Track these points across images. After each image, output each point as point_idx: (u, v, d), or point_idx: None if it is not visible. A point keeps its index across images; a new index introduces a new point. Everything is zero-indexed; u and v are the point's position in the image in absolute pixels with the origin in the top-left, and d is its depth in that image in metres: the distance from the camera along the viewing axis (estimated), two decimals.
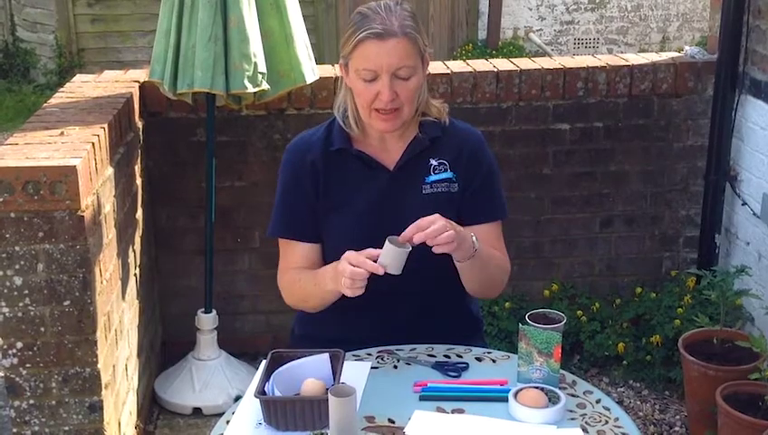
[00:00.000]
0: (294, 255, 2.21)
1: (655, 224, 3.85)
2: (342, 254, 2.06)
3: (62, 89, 3.43)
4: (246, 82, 3.14)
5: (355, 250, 2.05)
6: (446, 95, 3.50)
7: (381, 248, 1.96)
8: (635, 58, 3.80)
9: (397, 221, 2.12)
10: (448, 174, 2.19)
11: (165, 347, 3.76)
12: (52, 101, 3.22)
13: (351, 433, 1.72)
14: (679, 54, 3.89)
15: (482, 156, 2.24)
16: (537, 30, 9.39)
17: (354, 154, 2.17)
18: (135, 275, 3.23)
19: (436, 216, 1.97)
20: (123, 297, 3.01)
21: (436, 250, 1.95)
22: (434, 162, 2.19)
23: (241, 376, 3.49)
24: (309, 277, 2.15)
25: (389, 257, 1.93)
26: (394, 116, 2.10)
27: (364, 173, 2.16)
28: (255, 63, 3.15)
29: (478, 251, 2.07)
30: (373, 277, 2.02)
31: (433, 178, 2.18)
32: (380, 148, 2.19)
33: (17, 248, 2.48)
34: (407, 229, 1.95)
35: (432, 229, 1.93)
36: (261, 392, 1.80)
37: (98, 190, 2.66)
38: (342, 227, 2.17)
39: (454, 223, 2.01)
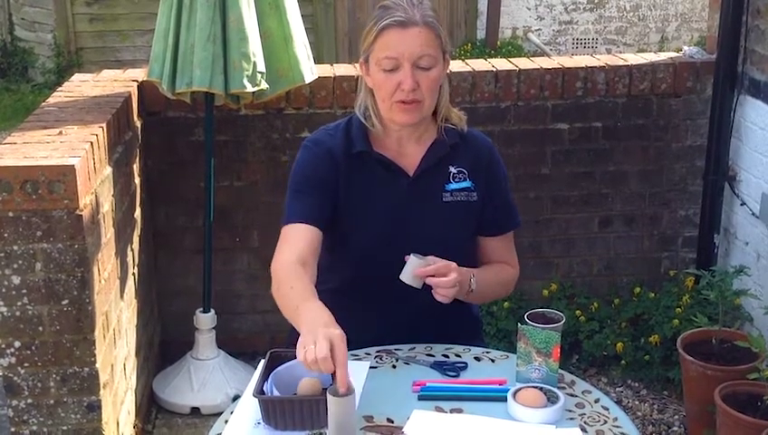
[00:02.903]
0: (298, 234, 2.09)
1: (654, 224, 3.85)
2: (358, 257, 2.09)
3: (60, 88, 3.43)
4: (246, 81, 3.14)
5: (373, 255, 2.07)
6: None
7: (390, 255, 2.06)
8: (634, 58, 3.80)
9: (416, 227, 2.13)
10: (467, 183, 2.19)
11: (163, 346, 3.76)
12: (51, 100, 3.22)
13: (350, 432, 1.72)
14: (678, 54, 3.90)
15: (497, 168, 2.26)
16: (536, 30, 9.39)
17: (375, 158, 2.15)
18: (133, 274, 3.23)
19: (453, 268, 2.02)
20: (122, 296, 3.00)
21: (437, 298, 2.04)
22: (453, 170, 2.19)
23: (239, 376, 3.49)
24: (299, 289, 1.96)
25: (410, 271, 2.02)
26: (415, 107, 2.09)
27: (384, 177, 2.15)
28: (255, 63, 3.15)
29: (474, 290, 2.13)
30: (375, 277, 2.03)
31: (453, 186, 2.18)
32: (399, 152, 2.18)
33: (15, 247, 2.48)
34: (430, 268, 2.00)
35: (442, 281, 2.00)
36: (259, 392, 1.80)
37: (96, 190, 2.66)
38: (361, 231, 2.16)
39: (461, 273, 2.06)
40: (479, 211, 2.20)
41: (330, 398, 1.70)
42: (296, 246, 2.06)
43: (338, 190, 2.14)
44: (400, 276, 2.01)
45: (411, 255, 2.02)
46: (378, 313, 2.17)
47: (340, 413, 1.70)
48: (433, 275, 2.01)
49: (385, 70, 2.07)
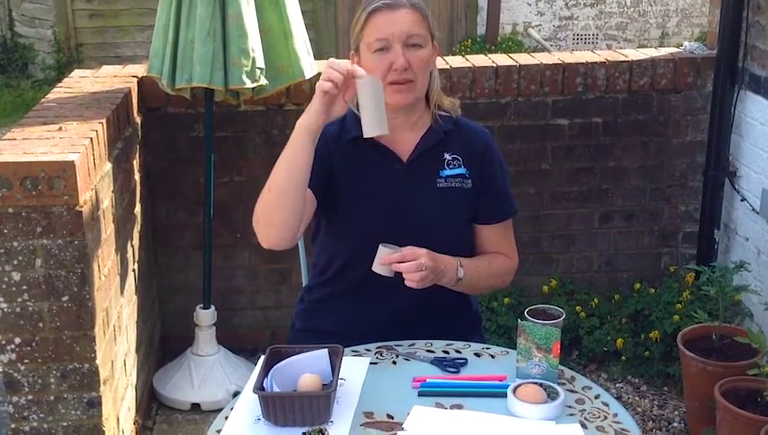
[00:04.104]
0: None
1: (654, 219, 3.85)
2: (354, 243, 2.12)
3: (60, 84, 3.42)
4: (245, 77, 3.14)
5: (366, 241, 2.07)
6: (445, 91, 3.45)
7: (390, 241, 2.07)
8: (634, 54, 3.79)
9: (410, 212, 2.14)
10: (462, 170, 2.20)
11: (163, 343, 3.76)
12: (51, 96, 3.22)
13: (382, 111, 1.94)
14: (678, 50, 3.89)
15: (493, 156, 2.26)
16: (536, 25, 9.38)
17: (369, 143, 2.17)
18: (133, 270, 3.22)
19: (421, 254, 2.03)
20: (122, 293, 3.00)
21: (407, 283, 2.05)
22: (448, 156, 2.20)
23: (239, 372, 3.49)
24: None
25: (378, 261, 2.06)
26: (407, 88, 2.11)
27: (378, 162, 2.16)
28: (254, 59, 3.15)
29: (464, 278, 2.14)
30: (371, 264, 2.03)
31: (447, 172, 2.19)
32: (393, 138, 2.19)
33: (15, 244, 2.48)
34: (396, 254, 2.03)
35: (405, 266, 2.02)
36: (259, 388, 1.80)
37: (96, 186, 2.66)
38: (355, 215, 2.17)
39: (438, 259, 2.08)
40: (474, 198, 2.21)
41: (358, 81, 1.93)
42: None
43: (333, 172, 2.15)
44: (372, 267, 2.05)
45: (380, 245, 2.05)
46: (377, 304, 2.17)
47: (370, 93, 1.93)
48: (402, 262, 2.03)
49: (376, 51, 2.09)
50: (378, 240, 2.08)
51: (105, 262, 2.75)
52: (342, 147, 2.18)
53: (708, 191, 3.74)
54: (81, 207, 2.49)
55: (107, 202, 2.80)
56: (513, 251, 2.32)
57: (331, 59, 2.00)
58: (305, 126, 2.00)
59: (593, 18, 9.46)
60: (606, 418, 1.83)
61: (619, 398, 3.43)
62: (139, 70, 3.55)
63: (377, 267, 2.05)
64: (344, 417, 1.80)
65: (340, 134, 2.19)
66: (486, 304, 3.67)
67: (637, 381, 3.58)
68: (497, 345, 2.18)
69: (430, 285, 2.11)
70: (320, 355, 1.89)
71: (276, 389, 1.80)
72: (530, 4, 9.35)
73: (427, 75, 2.16)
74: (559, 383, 1.91)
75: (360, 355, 2.06)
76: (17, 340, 2.56)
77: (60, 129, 2.74)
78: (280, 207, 2.05)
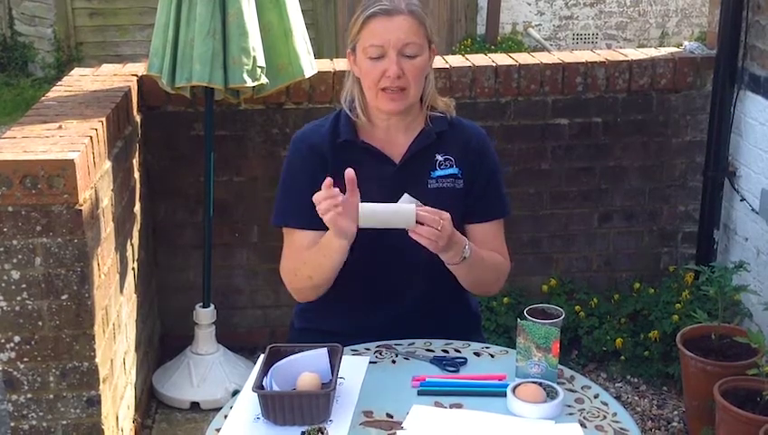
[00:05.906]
0: (301, 242, 2.16)
1: (653, 219, 3.85)
2: (351, 245, 2.08)
3: (60, 82, 3.42)
4: (245, 76, 3.14)
5: (363, 242, 2.06)
6: (445, 90, 3.49)
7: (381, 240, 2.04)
8: (634, 53, 3.80)
9: None
10: (454, 170, 2.20)
11: (163, 341, 3.76)
12: (50, 94, 3.22)
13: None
14: (678, 50, 3.89)
15: (487, 155, 2.26)
16: (536, 25, 9.39)
17: (361, 146, 2.17)
18: (133, 269, 3.22)
19: (447, 216, 1.99)
20: (121, 291, 3.00)
21: (412, 235, 1.98)
22: (440, 157, 2.20)
23: (239, 371, 3.49)
24: (313, 250, 2.11)
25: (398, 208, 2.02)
26: (400, 96, 2.11)
27: (370, 165, 2.16)
28: (254, 57, 3.15)
29: (468, 259, 2.09)
30: (367, 264, 2.02)
31: (439, 172, 2.19)
32: (386, 140, 2.19)
33: (15, 242, 2.48)
34: (421, 207, 1.99)
35: (428, 217, 1.96)
36: (259, 387, 1.80)
37: (96, 184, 2.66)
38: None
39: (453, 230, 2.04)
40: (466, 197, 2.20)
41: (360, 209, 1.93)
42: (301, 253, 2.15)
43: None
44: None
45: (405, 193, 2.04)
46: (376, 304, 2.17)
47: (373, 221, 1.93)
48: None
49: (371, 58, 2.09)
50: (372, 243, 2.08)
51: (105, 261, 2.75)
52: (335, 150, 2.17)
53: (708, 191, 3.74)
54: (81, 205, 2.50)
55: (106, 201, 2.80)
56: (506, 252, 2.30)
57: (315, 196, 1.97)
58: (340, 243, 2.02)
59: (593, 18, 9.47)
60: (605, 417, 1.83)
61: (618, 397, 3.44)
62: (139, 68, 3.55)
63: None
64: (343, 416, 1.80)
65: (333, 138, 2.18)
66: (486, 303, 3.67)
67: (636, 380, 3.59)
68: (497, 345, 2.18)
69: (429, 286, 2.10)
70: (319, 354, 1.89)
71: (276, 388, 1.80)
72: (530, 4, 9.35)
73: (421, 82, 2.15)
74: (558, 383, 1.91)
75: (359, 354, 2.06)
76: (17, 338, 2.56)
77: (59, 127, 2.74)
78: (316, 288, 2.15)
